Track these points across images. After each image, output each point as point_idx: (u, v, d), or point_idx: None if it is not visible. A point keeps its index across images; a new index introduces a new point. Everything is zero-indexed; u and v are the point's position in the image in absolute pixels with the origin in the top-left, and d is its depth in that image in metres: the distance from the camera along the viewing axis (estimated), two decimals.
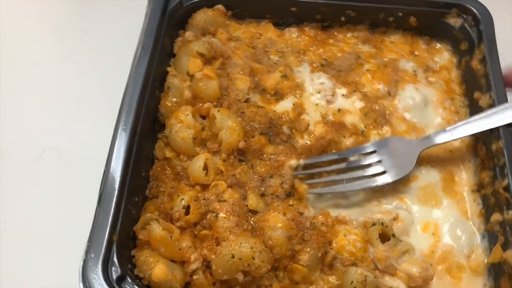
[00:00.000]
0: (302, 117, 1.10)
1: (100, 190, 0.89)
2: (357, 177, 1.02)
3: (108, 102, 1.23)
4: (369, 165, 1.03)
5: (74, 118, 1.24)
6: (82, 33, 1.40)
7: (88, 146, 1.19)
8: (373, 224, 0.95)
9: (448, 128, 1.03)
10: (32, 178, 1.16)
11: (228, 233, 0.90)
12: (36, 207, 1.12)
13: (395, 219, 0.99)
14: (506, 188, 0.93)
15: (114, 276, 0.83)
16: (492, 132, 1.00)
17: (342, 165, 1.04)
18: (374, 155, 1.04)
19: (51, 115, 1.25)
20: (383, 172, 1.02)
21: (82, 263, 0.83)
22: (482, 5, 1.14)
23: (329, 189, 1.03)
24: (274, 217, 0.92)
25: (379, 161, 1.03)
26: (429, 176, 1.04)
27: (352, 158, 1.04)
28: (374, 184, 1.01)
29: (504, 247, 0.91)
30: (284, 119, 1.09)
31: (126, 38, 1.34)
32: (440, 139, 1.03)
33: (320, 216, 0.96)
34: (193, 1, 1.19)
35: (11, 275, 1.04)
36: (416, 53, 1.22)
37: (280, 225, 0.91)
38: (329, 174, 1.05)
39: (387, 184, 1.01)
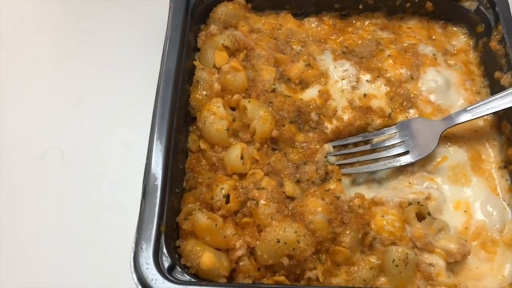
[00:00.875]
0: (328, 103, 1.13)
1: (144, 182, 0.91)
2: (381, 158, 1.07)
3: (110, 100, 1.28)
4: (393, 146, 1.08)
5: (76, 117, 1.26)
6: (82, 32, 1.41)
7: (90, 144, 1.22)
8: (410, 204, 0.97)
9: (468, 108, 1.06)
10: (35, 177, 1.17)
11: (270, 219, 0.92)
12: (38, 206, 1.14)
13: (427, 198, 1.01)
14: None
15: (166, 266, 0.85)
16: None
17: (367, 147, 1.09)
18: (397, 136, 1.08)
19: (53, 114, 1.27)
20: (406, 152, 1.06)
21: (132, 254, 0.84)
22: None
23: (356, 169, 1.07)
24: (313, 201, 0.94)
25: (402, 142, 1.07)
26: (457, 156, 1.07)
27: (376, 140, 1.10)
28: (398, 164, 1.05)
29: None
30: (311, 106, 1.11)
31: (126, 37, 1.38)
32: (461, 118, 1.06)
33: (356, 199, 0.99)
34: None
35: (12, 274, 1.06)
36: (434, 37, 1.25)
37: (320, 209, 0.93)
38: (354, 156, 1.09)
39: (411, 164, 1.05)
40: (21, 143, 1.22)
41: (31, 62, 1.36)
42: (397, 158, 1.06)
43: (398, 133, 1.09)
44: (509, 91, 1.04)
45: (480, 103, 1.05)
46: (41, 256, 1.09)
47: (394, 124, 1.11)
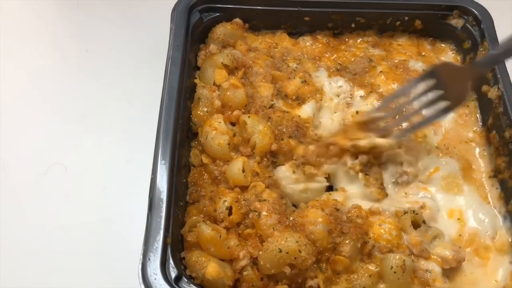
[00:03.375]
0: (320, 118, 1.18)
1: (149, 196, 0.94)
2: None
3: (112, 117, 1.32)
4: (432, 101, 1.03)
5: (79, 134, 1.29)
6: (84, 52, 1.45)
7: (92, 160, 1.25)
8: (405, 213, 1.01)
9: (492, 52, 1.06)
10: (38, 192, 1.20)
11: (272, 230, 0.96)
12: (42, 221, 1.16)
13: (422, 207, 1.05)
14: None
15: (173, 276, 0.87)
16: (504, 120, 1.08)
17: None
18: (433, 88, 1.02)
19: (56, 131, 1.30)
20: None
21: (140, 265, 0.87)
22: (481, 5, 1.23)
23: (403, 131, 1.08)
24: (313, 212, 0.98)
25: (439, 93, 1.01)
26: (449, 166, 1.11)
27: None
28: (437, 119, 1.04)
29: None
30: (309, 123, 1.15)
31: (128, 56, 1.42)
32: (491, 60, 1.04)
33: (354, 210, 1.02)
34: (212, 16, 1.26)
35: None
36: (423, 53, 1.31)
37: (320, 219, 0.96)
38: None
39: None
40: (25, 159, 1.25)
41: (35, 80, 1.39)
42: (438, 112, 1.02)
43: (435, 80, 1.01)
44: None
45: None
46: (45, 270, 1.10)
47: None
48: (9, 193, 1.19)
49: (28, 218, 1.17)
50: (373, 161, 1.10)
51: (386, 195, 1.08)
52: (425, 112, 1.05)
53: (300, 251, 0.91)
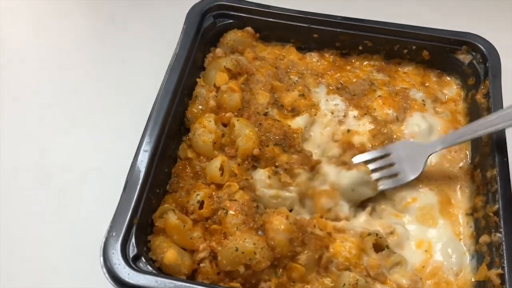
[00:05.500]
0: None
1: (126, 178, 1.01)
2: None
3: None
4: (382, 168, 1.13)
5: (116, 141, 1.32)
6: (121, 62, 1.51)
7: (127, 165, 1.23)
8: (369, 234, 1.03)
9: (450, 132, 1.14)
10: (78, 198, 1.23)
11: (235, 229, 1.00)
12: (81, 225, 1.18)
13: (391, 233, 1.06)
14: (496, 213, 0.99)
15: (131, 254, 0.93)
16: (489, 161, 1.07)
17: None
18: (387, 158, 1.13)
19: (96, 138, 1.33)
20: (395, 175, 1.12)
21: (104, 240, 0.93)
22: (490, 43, 1.23)
23: None
24: (278, 220, 1.01)
25: (392, 164, 1.13)
26: (427, 198, 1.11)
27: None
28: (387, 187, 1.12)
29: (490, 267, 0.97)
30: (298, 133, 1.19)
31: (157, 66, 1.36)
32: (445, 143, 1.11)
33: (317, 223, 1.05)
34: (225, 22, 1.32)
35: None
36: (427, 84, 1.31)
37: (282, 227, 0.99)
38: None
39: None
40: (65, 165, 1.28)
41: (75, 90, 1.44)
42: (388, 181, 1.12)
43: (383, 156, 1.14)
44: (492, 117, 1.07)
45: (465, 127, 1.12)
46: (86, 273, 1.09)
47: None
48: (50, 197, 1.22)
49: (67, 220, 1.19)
50: None
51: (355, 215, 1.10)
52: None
53: (255, 253, 0.95)
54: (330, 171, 1.13)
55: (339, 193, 1.10)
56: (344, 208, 1.10)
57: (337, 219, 1.09)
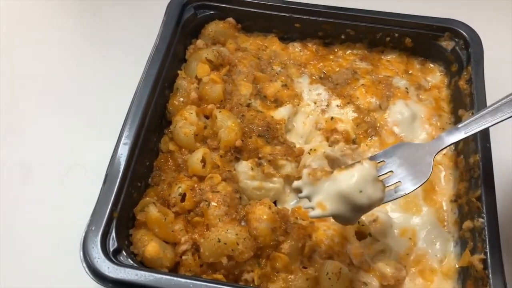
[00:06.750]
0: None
1: (106, 171, 1.00)
2: None
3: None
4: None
5: (97, 137, 1.29)
6: (102, 58, 1.48)
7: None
8: None
9: (460, 125, 0.98)
10: (60, 194, 1.20)
11: (218, 220, 0.99)
12: (63, 220, 1.15)
13: (374, 220, 1.05)
14: (478, 198, 0.99)
15: (111, 248, 0.92)
16: (471, 146, 1.07)
17: None
18: (384, 167, 0.96)
19: (76, 134, 1.30)
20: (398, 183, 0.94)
21: (84, 234, 0.92)
22: (472, 29, 1.22)
23: None
24: (260, 210, 1.00)
25: (391, 172, 0.95)
26: None
27: None
28: (391, 199, 0.94)
29: (473, 252, 0.97)
30: (281, 123, 1.18)
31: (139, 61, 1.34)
32: (452, 138, 0.97)
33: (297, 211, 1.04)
34: (206, 13, 1.31)
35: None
36: (410, 72, 1.30)
37: (265, 217, 0.99)
38: None
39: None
40: (46, 161, 1.25)
41: (55, 85, 1.41)
42: (391, 191, 0.94)
43: (384, 162, 0.96)
44: (498, 104, 0.95)
45: (471, 119, 0.97)
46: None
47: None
48: (32, 193, 1.20)
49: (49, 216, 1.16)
50: None
51: None
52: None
53: (238, 244, 0.95)
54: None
55: None
56: None
57: None
